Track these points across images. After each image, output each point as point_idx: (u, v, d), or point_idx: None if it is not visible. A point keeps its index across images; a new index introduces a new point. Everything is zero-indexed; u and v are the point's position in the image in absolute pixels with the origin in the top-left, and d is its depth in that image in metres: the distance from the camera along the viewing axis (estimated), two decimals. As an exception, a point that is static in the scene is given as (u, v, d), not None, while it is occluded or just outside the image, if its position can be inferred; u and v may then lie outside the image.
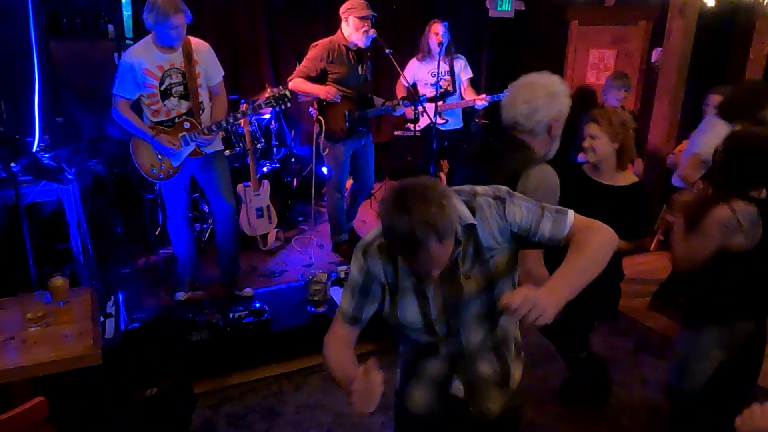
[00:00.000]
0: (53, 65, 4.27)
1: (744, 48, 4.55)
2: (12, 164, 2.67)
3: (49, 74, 4.09)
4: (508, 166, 1.86)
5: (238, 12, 5.12)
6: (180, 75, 3.11)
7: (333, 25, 4.30)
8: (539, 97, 1.88)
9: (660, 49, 4.68)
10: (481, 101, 4.45)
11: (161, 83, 3.08)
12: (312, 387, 3.12)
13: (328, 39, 3.82)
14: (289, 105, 3.33)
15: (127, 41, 4.63)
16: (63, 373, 2.03)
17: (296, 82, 3.78)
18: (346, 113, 3.86)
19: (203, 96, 3.20)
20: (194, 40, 3.15)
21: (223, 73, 3.31)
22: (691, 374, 2.30)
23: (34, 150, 3.35)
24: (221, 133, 3.41)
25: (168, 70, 3.08)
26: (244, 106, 3.24)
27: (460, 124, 4.80)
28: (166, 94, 3.11)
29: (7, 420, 1.59)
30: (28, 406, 1.64)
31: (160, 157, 3.18)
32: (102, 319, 2.99)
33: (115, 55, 4.43)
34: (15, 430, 1.56)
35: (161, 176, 3.22)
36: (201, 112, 3.18)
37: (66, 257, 3.32)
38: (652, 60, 5.08)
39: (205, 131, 3.14)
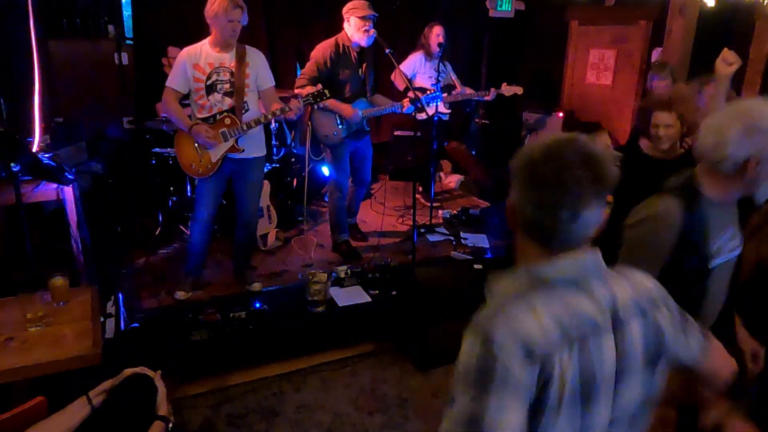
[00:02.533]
0: (53, 65, 4.27)
1: (744, 48, 4.55)
2: (12, 164, 2.67)
3: (49, 74, 4.09)
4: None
5: (238, 12, 5.12)
6: (228, 74, 3.20)
7: (333, 25, 4.30)
8: (736, 134, 1.51)
9: (660, 49, 4.68)
10: (488, 97, 4.67)
11: (208, 78, 3.18)
12: (312, 387, 3.12)
13: (332, 39, 3.85)
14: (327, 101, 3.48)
15: (127, 41, 4.63)
16: (63, 373, 2.03)
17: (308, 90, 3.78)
18: (337, 117, 3.90)
19: (249, 97, 3.27)
20: (249, 47, 3.29)
21: (273, 82, 3.41)
22: None
23: (34, 150, 3.35)
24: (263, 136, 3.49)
25: (217, 67, 3.19)
26: (275, 106, 3.29)
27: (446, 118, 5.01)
28: (210, 89, 3.20)
29: (7, 420, 1.59)
30: (28, 406, 1.64)
31: (199, 152, 3.24)
32: (102, 319, 2.98)
33: (115, 55, 4.44)
34: (15, 430, 1.56)
35: (200, 171, 3.28)
36: (244, 111, 3.25)
37: (66, 257, 3.32)
38: (652, 60, 5.09)
39: (244, 127, 3.22)
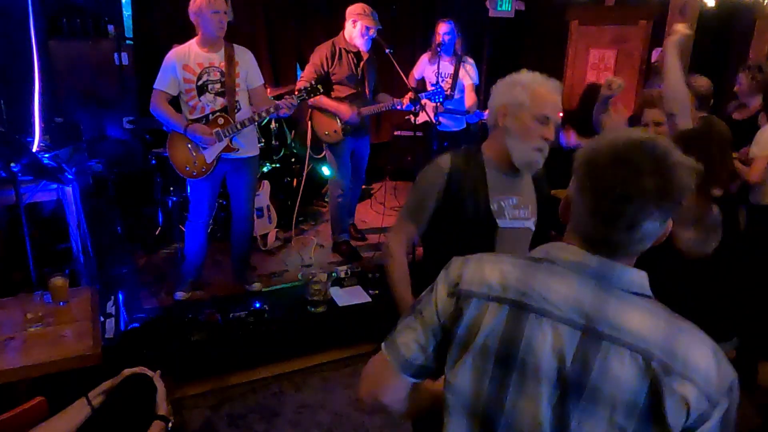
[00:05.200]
0: (53, 65, 4.27)
1: (744, 48, 4.55)
2: (12, 164, 2.67)
3: (49, 74, 4.09)
4: None
5: (238, 12, 5.12)
6: (218, 73, 3.18)
7: (333, 25, 4.31)
8: (496, 87, 1.74)
9: (660, 49, 4.68)
10: (473, 113, 4.49)
11: (198, 79, 3.16)
12: (312, 387, 3.12)
13: (329, 41, 3.88)
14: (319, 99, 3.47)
15: (127, 41, 4.63)
16: (63, 373, 2.03)
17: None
18: (337, 116, 3.90)
19: (240, 96, 3.25)
20: (237, 46, 3.26)
21: (263, 81, 3.39)
22: None
23: (34, 150, 3.35)
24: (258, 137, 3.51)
25: (207, 67, 3.17)
26: (268, 104, 3.29)
27: (462, 125, 4.79)
28: (202, 90, 3.18)
29: (7, 420, 1.59)
30: (28, 406, 1.64)
31: (193, 153, 3.22)
32: (102, 319, 2.99)
33: (115, 55, 4.44)
34: (15, 430, 1.56)
35: (194, 173, 3.26)
36: (236, 110, 3.23)
37: (66, 257, 3.32)
38: (652, 60, 5.08)
39: (238, 126, 3.20)
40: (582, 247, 0.99)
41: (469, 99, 4.58)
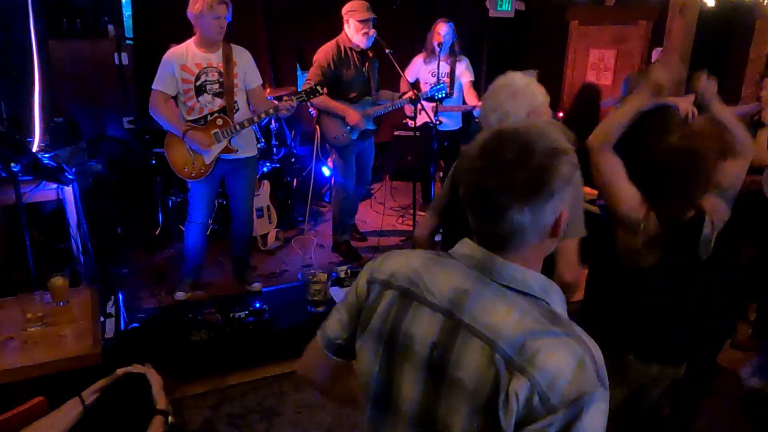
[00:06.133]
0: (53, 65, 4.27)
1: (744, 48, 4.55)
2: (12, 164, 2.67)
3: (49, 74, 4.09)
4: None
5: (238, 12, 5.09)
6: (216, 73, 3.17)
7: (333, 25, 4.30)
8: (503, 101, 1.82)
9: (660, 49, 4.68)
10: (480, 108, 4.42)
11: (197, 79, 3.15)
12: (312, 387, 3.11)
13: (333, 41, 3.85)
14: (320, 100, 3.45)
15: (127, 41, 4.63)
16: (63, 373, 2.03)
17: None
18: (345, 120, 3.87)
19: (238, 96, 3.24)
20: (235, 46, 3.24)
21: (261, 81, 3.38)
22: None
23: (34, 150, 3.34)
24: (255, 137, 3.48)
25: (205, 68, 3.15)
26: (268, 105, 3.28)
27: (458, 125, 4.80)
28: (200, 90, 3.16)
29: (7, 420, 1.59)
30: (28, 406, 1.64)
31: (192, 154, 3.21)
32: (102, 319, 2.98)
33: (115, 55, 4.43)
34: (15, 430, 1.56)
35: (193, 174, 3.25)
36: (235, 111, 3.22)
37: (66, 257, 3.32)
38: (652, 60, 5.08)
39: (237, 127, 3.19)
40: (477, 241, 1.01)
41: (471, 96, 4.60)
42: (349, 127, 3.88)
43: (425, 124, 4.29)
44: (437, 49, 4.41)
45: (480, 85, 5.82)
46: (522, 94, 1.82)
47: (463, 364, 0.92)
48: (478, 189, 0.95)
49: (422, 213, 4.66)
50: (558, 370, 0.85)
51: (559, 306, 0.98)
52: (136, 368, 1.70)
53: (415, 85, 4.63)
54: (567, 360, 0.86)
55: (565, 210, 0.95)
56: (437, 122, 4.15)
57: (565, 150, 0.94)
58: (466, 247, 1.03)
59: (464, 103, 4.66)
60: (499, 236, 0.96)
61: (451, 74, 4.55)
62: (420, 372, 0.98)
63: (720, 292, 2.26)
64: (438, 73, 4.43)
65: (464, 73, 4.62)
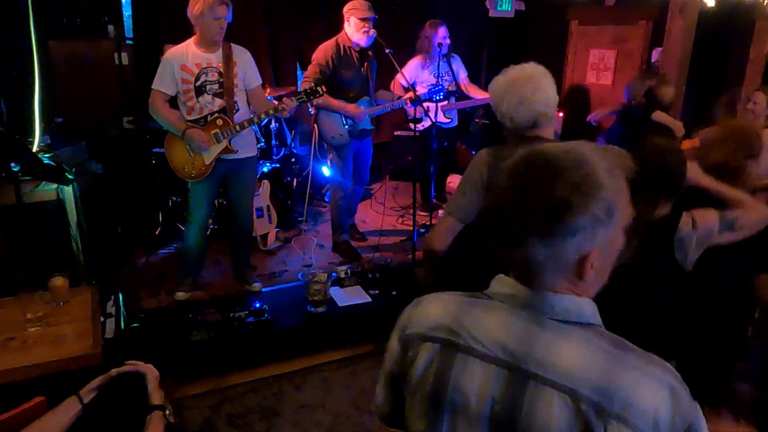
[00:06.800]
0: (53, 65, 4.27)
1: (744, 48, 4.55)
2: (12, 164, 2.67)
3: (49, 74, 4.09)
4: None
5: (238, 12, 5.08)
6: (217, 74, 3.16)
7: (333, 25, 4.31)
8: (538, 88, 1.85)
9: (660, 49, 4.68)
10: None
11: (197, 79, 3.14)
12: (312, 387, 3.12)
13: (332, 40, 3.85)
14: (320, 99, 3.44)
15: (127, 41, 4.63)
16: (63, 373, 2.03)
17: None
18: (342, 118, 3.88)
19: (238, 96, 3.24)
20: (235, 46, 3.24)
21: (261, 81, 3.37)
22: None
23: (34, 150, 3.35)
24: (255, 137, 3.47)
25: (205, 68, 3.14)
26: (269, 105, 3.28)
27: (456, 123, 4.85)
28: (200, 91, 3.15)
29: (7, 420, 1.59)
30: (28, 406, 1.64)
31: (192, 154, 3.21)
32: (102, 319, 2.98)
33: (115, 55, 4.43)
34: (15, 430, 1.56)
35: (192, 174, 3.24)
36: (235, 111, 3.22)
37: (66, 257, 3.32)
38: (652, 60, 5.08)
39: (237, 128, 3.18)
40: (514, 277, 0.93)
41: (474, 89, 4.68)
42: (347, 127, 3.89)
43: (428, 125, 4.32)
44: (438, 50, 4.44)
45: (480, 85, 5.82)
46: (546, 82, 1.87)
47: (539, 419, 0.82)
48: (496, 209, 0.89)
49: (423, 213, 4.71)
50: (655, 407, 0.79)
51: (598, 319, 0.90)
52: (131, 365, 1.70)
53: (412, 88, 4.65)
54: (660, 393, 0.80)
55: (594, 251, 0.85)
56: (449, 120, 4.18)
57: (602, 185, 0.83)
58: (505, 285, 0.93)
59: (466, 98, 4.70)
60: (522, 266, 0.89)
61: (451, 72, 4.60)
62: (480, 430, 0.88)
63: (715, 311, 2.21)
64: (439, 74, 4.47)
65: (461, 69, 4.71)
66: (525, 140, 1.86)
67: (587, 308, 0.89)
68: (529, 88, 1.82)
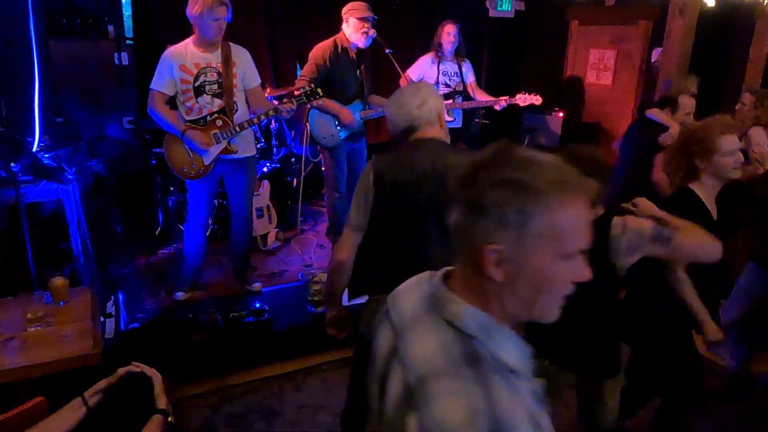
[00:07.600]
0: (53, 65, 4.27)
1: (744, 48, 4.55)
2: (12, 164, 2.68)
3: (49, 74, 4.09)
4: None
5: (238, 12, 5.08)
6: (216, 74, 3.15)
7: (333, 25, 4.30)
8: (429, 95, 1.97)
9: (660, 49, 4.68)
10: (503, 103, 4.48)
11: (195, 80, 3.13)
12: (312, 387, 3.12)
13: (330, 39, 3.84)
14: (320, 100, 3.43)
15: (127, 41, 4.63)
16: (63, 373, 2.03)
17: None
18: (335, 119, 3.88)
19: (238, 97, 3.23)
20: (234, 45, 3.23)
21: (260, 80, 3.36)
22: None
23: (34, 150, 3.35)
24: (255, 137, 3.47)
25: (204, 68, 3.13)
26: (268, 106, 3.27)
27: (459, 124, 4.84)
28: (199, 91, 3.15)
29: (7, 420, 1.59)
30: (28, 406, 1.64)
31: (191, 155, 3.20)
32: (102, 319, 2.99)
33: (115, 55, 4.43)
34: (15, 430, 1.56)
35: (191, 174, 3.24)
36: (234, 111, 3.21)
37: (66, 257, 3.32)
38: (652, 60, 5.09)
39: (237, 128, 3.17)
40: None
41: (481, 92, 4.69)
42: (338, 127, 3.88)
43: None
44: (449, 48, 4.47)
45: (480, 85, 5.83)
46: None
47: (389, 389, 0.94)
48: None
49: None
50: (444, 418, 0.81)
51: (505, 350, 0.89)
52: (137, 367, 1.71)
53: None
54: (459, 409, 0.81)
55: (502, 246, 0.85)
56: (452, 119, 4.19)
57: (533, 191, 0.83)
58: (434, 273, 1.03)
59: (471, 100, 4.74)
60: (450, 233, 0.93)
61: (460, 74, 4.62)
62: (377, 385, 1.01)
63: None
64: (449, 73, 4.51)
65: (469, 73, 4.73)
66: (404, 143, 1.99)
67: (471, 318, 0.90)
68: (408, 94, 1.97)
